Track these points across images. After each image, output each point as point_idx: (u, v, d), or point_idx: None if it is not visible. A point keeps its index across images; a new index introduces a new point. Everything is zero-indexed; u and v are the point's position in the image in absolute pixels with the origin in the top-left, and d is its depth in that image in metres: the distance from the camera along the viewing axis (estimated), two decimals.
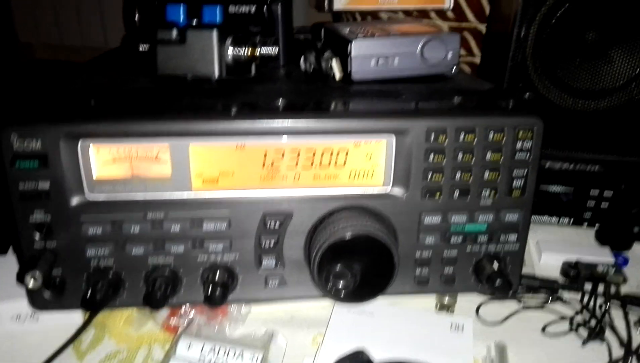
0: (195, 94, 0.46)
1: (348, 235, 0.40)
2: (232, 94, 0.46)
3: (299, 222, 0.43)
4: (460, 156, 0.42)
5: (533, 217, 0.60)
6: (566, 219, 0.59)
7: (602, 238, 0.59)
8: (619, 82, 0.54)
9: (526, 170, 0.43)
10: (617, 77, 0.54)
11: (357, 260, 0.41)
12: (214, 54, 0.46)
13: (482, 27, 0.76)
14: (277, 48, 0.51)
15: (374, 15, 0.77)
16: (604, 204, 0.58)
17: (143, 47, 0.53)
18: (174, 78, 0.47)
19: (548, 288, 0.52)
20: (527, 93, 0.57)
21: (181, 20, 0.52)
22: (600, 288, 0.52)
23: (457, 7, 0.74)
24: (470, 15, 0.75)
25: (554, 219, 0.60)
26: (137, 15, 0.58)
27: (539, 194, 0.59)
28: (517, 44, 0.54)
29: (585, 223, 0.59)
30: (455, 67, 0.52)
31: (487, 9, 0.74)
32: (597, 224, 0.59)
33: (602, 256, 0.57)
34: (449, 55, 0.51)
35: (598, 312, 0.49)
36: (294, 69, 0.55)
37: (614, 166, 0.57)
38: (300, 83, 0.51)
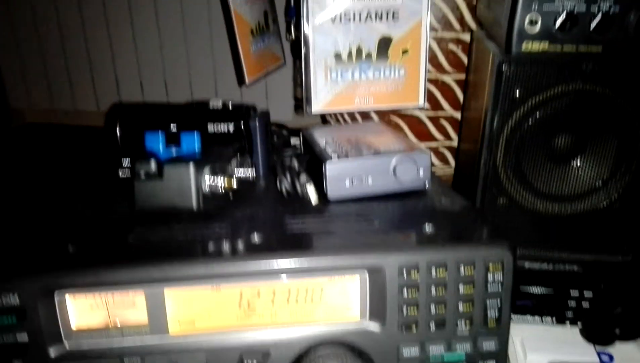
0: (172, 229, 0.47)
1: None
2: (208, 227, 0.47)
3: (277, 360, 0.43)
4: (433, 289, 0.42)
5: (516, 317, 0.61)
6: (548, 319, 0.59)
7: (586, 336, 0.59)
8: (586, 189, 0.55)
9: (499, 300, 0.43)
10: (585, 184, 0.55)
11: None
12: (191, 189, 0.47)
13: (458, 115, 0.78)
14: (254, 170, 0.53)
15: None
16: (585, 304, 0.58)
17: (123, 173, 0.54)
18: (152, 212, 0.48)
19: None
20: (501, 199, 0.58)
21: (160, 148, 0.53)
22: None
23: (432, 98, 0.76)
24: (445, 104, 0.77)
25: (537, 318, 0.60)
26: (118, 132, 0.60)
27: (520, 296, 0.59)
28: (488, 153, 0.55)
29: (568, 322, 0.59)
30: (427, 182, 0.53)
31: (461, 98, 0.77)
32: (579, 323, 0.59)
33: (588, 354, 0.57)
34: (421, 172, 0.52)
35: None
36: (272, 186, 0.56)
37: (592, 266, 0.58)
38: (277, 205, 0.52)
